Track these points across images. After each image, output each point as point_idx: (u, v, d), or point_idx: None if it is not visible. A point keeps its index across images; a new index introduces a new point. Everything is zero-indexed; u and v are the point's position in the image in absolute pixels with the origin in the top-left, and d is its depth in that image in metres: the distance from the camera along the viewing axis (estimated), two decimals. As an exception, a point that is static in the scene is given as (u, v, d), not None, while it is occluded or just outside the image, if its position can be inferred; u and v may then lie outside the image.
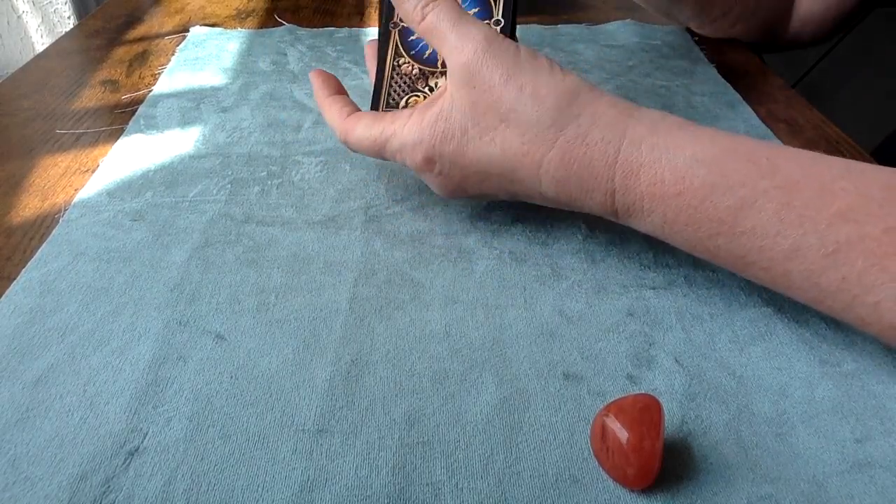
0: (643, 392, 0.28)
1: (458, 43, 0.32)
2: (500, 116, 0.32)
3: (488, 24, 0.36)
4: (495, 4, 0.37)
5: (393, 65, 0.38)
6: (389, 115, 0.36)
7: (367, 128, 0.36)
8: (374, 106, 0.38)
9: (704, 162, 0.29)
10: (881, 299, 0.26)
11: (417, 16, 0.34)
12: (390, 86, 0.38)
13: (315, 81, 0.41)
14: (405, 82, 0.38)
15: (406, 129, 0.34)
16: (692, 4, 0.60)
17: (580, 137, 0.31)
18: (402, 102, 0.38)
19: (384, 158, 0.37)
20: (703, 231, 0.30)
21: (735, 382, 0.29)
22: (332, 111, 0.39)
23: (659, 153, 0.30)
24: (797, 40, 0.62)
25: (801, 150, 0.30)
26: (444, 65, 0.38)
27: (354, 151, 0.38)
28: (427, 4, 0.34)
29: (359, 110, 0.38)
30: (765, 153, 0.29)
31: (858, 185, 0.27)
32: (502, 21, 0.37)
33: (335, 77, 0.41)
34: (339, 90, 0.40)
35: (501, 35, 0.33)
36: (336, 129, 0.38)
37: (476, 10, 0.37)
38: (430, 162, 0.34)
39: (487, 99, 0.32)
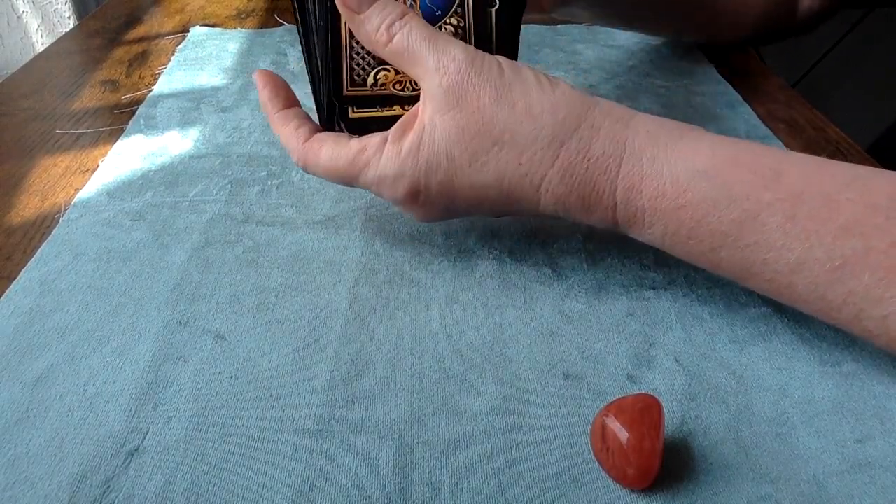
0: (643, 392, 0.28)
1: (437, 63, 0.30)
2: (492, 139, 0.30)
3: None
4: None
5: (350, 34, 0.33)
6: (355, 141, 0.33)
7: (333, 157, 0.32)
8: (334, 88, 0.34)
9: (706, 174, 0.28)
10: (889, 313, 0.26)
11: (383, 37, 0.31)
12: (352, 59, 0.33)
13: (263, 90, 0.36)
14: (369, 54, 0.33)
15: (383, 160, 0.31)
16: (697, 28, 0.59)
17: (582, 152, 0.30)
18: (371, 79, 0.34)
19: (352, 187, 0.34)
20: (706, 244, 0.29)
21: (735, 382, 0.29)
22: (286, 131, 0.34)
23: (660, 165, 0.29)
24: (801, 28, 0.62)
25: (805, 156, 0.29)
26: (414, 83, 0.34)
27: (314, 175, 0.35)
28: (393, 24, 0.31)
29: (317, 128, 0.35)
30: (768, 162, 0.29)
31: (864, 195, 0.27)
32: (497, 3, 0.34)
33: (283, 82, 0.36)
34: (291, 101, 0.36)
35: (481, 52, 0.31)
36: (293, 152, 0.34)
37: None
38: (414, 195, 0.32)
39: (477, 121, 0.30)
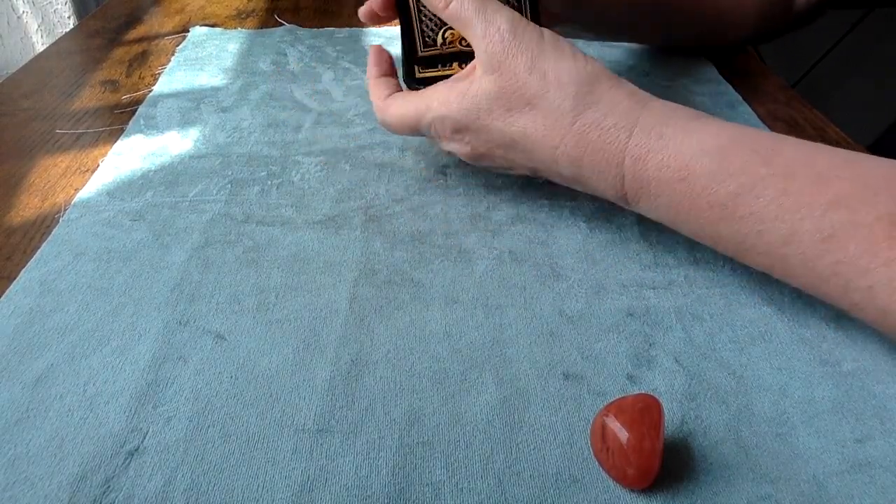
0: (643, 392, 0.27)
1: (484, 31, 0.34)
2: (525, 101, 0.34)
3: None
4: None
5: (416, 1, 0.38)
6: (418, 93, 0.38)
7: (402, 106, 0.38)
8: (409, 51, 0.39)
9: (709, 150, 0.31)
10: (874, 283, 0.27)
11: (440, 3, 0.35)
12: (421, 21, 0.39)
13: (371, 57, 0.42)
14: (435, 15, 0.38)
15: (437, 103, 0.36)
16: (702, 36, 0.59)
17: (596, 122, 0.32)
18: (440, 38, 0.39)
19: (420, 134, 0.39)
20: (706, 217, 0.31)
21: (735, 382, 0.29)
22: (376, 90, 0.41)
23: (666, 141, 0.31)
24: (800, 23, 0.62)
25: (804, 140, 0.31)
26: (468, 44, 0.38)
27: (391, 131, 0.40)
28: None
29: (398, 90, 0.41)
30: (768, 143, 0.31)
31: (856, 173, 0.28)
32: None
33: (390, 57, 0.42)
34: (390, 72, 0.42)
35: (525, 20, 0.34)
36: (375, 108, 0.40)
37: None
38: (458, 131, 0.36)
39: (513, 85, 0.33)
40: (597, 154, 0.33)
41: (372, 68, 0.42)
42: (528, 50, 0.33)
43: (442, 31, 0.39)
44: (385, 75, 0.42)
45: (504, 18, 0.34)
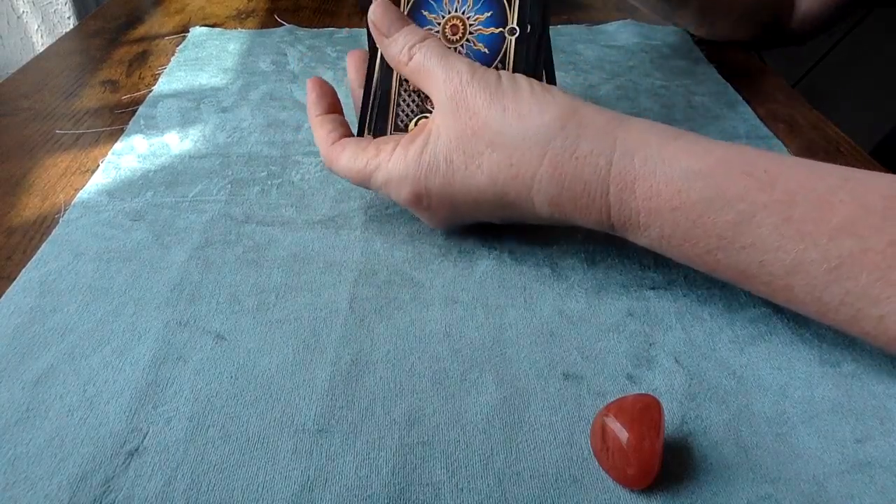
0: (643, 392, 0.27)
1: (445, 76, 0.33)
2: (485, 142, 0.31)
3: (502, 31, 0.36)
4: (510, 10, 0.36)
5: (401, 80, 0.37)
6: (373, 145, 0.35)
7: (352, 158, 0.35)
8: (371, 129, 0.37)
9: (700, 174, 0.29)
10: (886, 313, 0.26)
11: (405, 57, 0.34)
12: (398, 105, 0.37)
13: (310, 94, 0.39)
14: (414, 101, 0.37)
15: (391, 162, 0.34)
16: (694, 10, 0.60)
17: (569, 150, 0.30)
18: (412, 124, 0.37)
19: (369, 189, 0.36)
20: (702, 246, 0.29)
21: (735, 382, 0.29)
22: (320, 133, 0.38)
23: (653, 165, 0.29)
24: (798, 36, 0.62)
25: (796, 158, 0.30)
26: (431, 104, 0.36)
27: (337, 175, 0.37)
28: (414, 45, 0.34)
29: (349, 133, 0.38)
30: (761, 164, 0.29)
31: (858, 195, 0.27)
32: (517, 30, 0.36)
33: (333, 90, 0.39)
34: (333, 107, 0.39)
35: (483, 66, 0.33)
36: (322, 153, 0.37)
37: (489, 13, 0.36)
38: (417, 196, 0.34)
39: (473, 125, 0.32)
40: (577, 186, 0.30)
41: (314, 106, 0.38)
42: (485, 88, 0.32)
43: (417, 117, 0.37)
44: (330, 112, 0.38)
45: (464, 64, 0.33)
